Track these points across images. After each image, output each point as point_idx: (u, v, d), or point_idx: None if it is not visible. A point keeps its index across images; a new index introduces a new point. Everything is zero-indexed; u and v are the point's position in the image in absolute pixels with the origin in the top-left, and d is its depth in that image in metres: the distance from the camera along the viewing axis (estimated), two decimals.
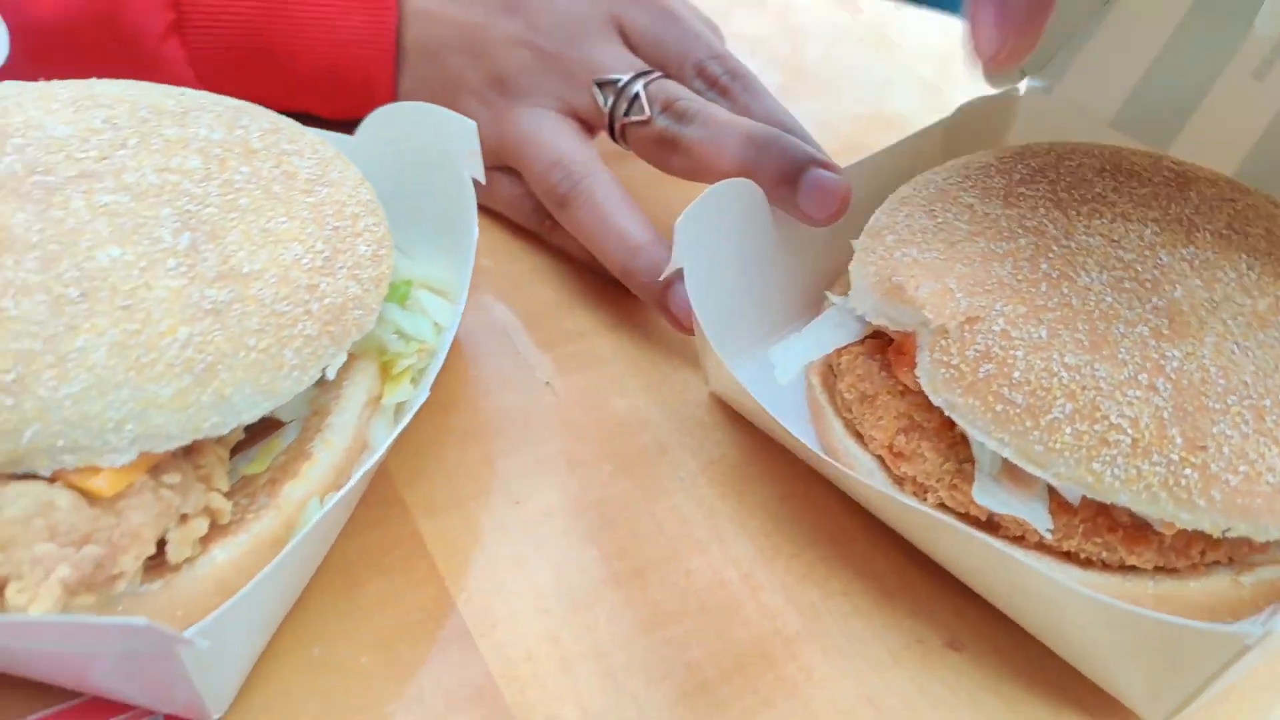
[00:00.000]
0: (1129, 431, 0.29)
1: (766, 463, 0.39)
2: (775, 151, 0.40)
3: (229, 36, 0.46)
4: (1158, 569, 0.32)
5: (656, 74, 0.44)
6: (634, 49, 0.46)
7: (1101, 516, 0.32)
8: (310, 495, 0.32)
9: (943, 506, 0.34)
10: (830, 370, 0.39)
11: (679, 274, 0.37)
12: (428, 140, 0.40)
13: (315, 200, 0.33)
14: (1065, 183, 0.37)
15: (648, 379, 0.42)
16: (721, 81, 0.44)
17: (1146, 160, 0.39)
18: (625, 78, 0.43)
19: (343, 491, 0.31)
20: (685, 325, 0.40)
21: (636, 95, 0.43)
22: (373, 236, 0.35)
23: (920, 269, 0.34)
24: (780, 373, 0.37)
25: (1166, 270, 0.33)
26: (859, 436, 0.36)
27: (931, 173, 0.40)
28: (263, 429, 0.34)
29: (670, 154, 0.42)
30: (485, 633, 0.33)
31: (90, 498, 0.27)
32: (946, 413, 0.32)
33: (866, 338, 0.38)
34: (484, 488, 0.37)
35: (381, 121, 0.41)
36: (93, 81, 0.35)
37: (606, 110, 0.44)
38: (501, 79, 0.46)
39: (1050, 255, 0.33)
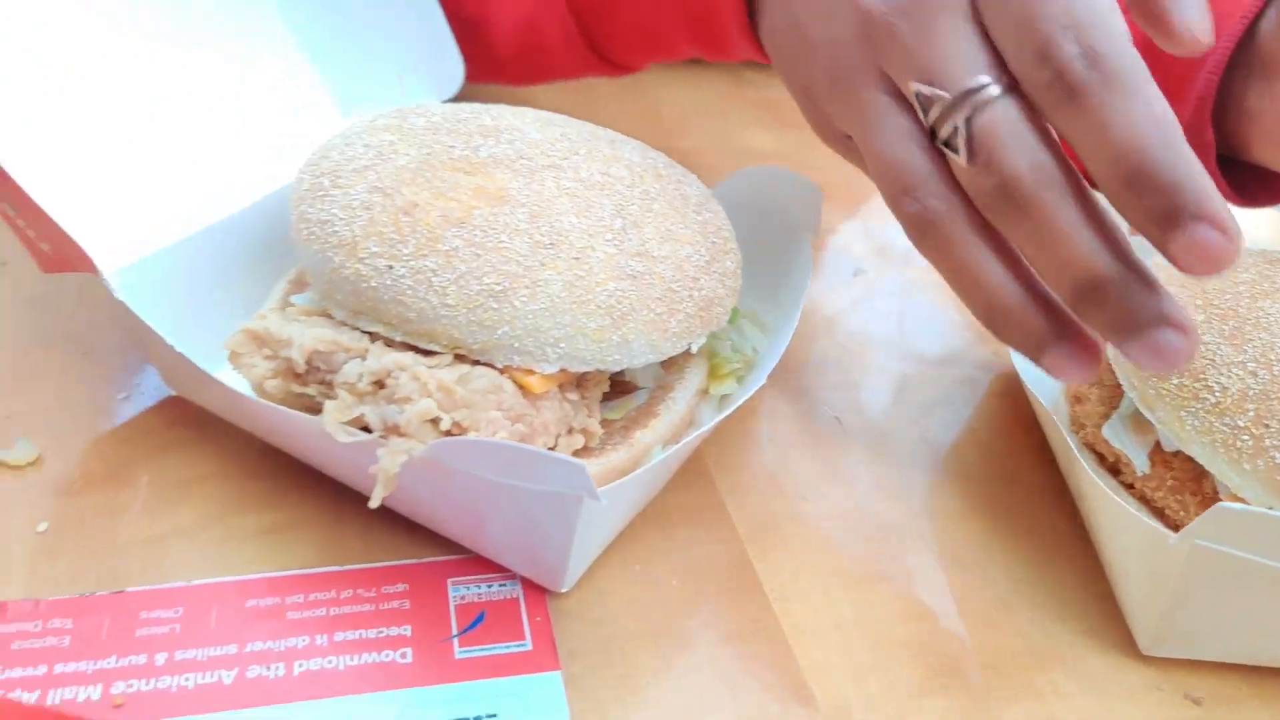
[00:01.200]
0: (1216, 394, 0.37)
1: (1034, 518, 0.43)
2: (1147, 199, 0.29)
3: None
4: None
5: (989, 87, 0.32)
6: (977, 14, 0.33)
7: (1191, 481, 0.38)
8: (654, 443, 0.40)
9: (1088, 445, 0.42)
10: None
11: None
12: (774, 199, 0.49)
13: (702, 219, 0.42)
14: None
15: (928, 432, 0.48)
16: (1070, 78, 0.30)
17: None
18: (946, 96, 0.32)
19: (684, 441, 0.38)
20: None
21: (955, 131, 0.32)
22: (735, 258, 0.43)
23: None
24: None
25: None
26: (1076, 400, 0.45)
27: None
28: (621, 388, 0.42)
29: (1001, 219, 0.32)
30: (774, 588, 0.39)
31: (524, 391, 0.36)
32: (1110, 362, 0.41)
33: None
34: (778, 484, 0.44)
35: (741, 179, 0.51)
36: (542, 111, 0.46)
37: (927, 125, 0.33)
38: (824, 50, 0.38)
39: (1257, 286, 0.40)
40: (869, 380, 0.51)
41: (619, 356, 0.37)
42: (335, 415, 0.34)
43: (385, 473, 0.33)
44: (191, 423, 0.43)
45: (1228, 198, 0.52)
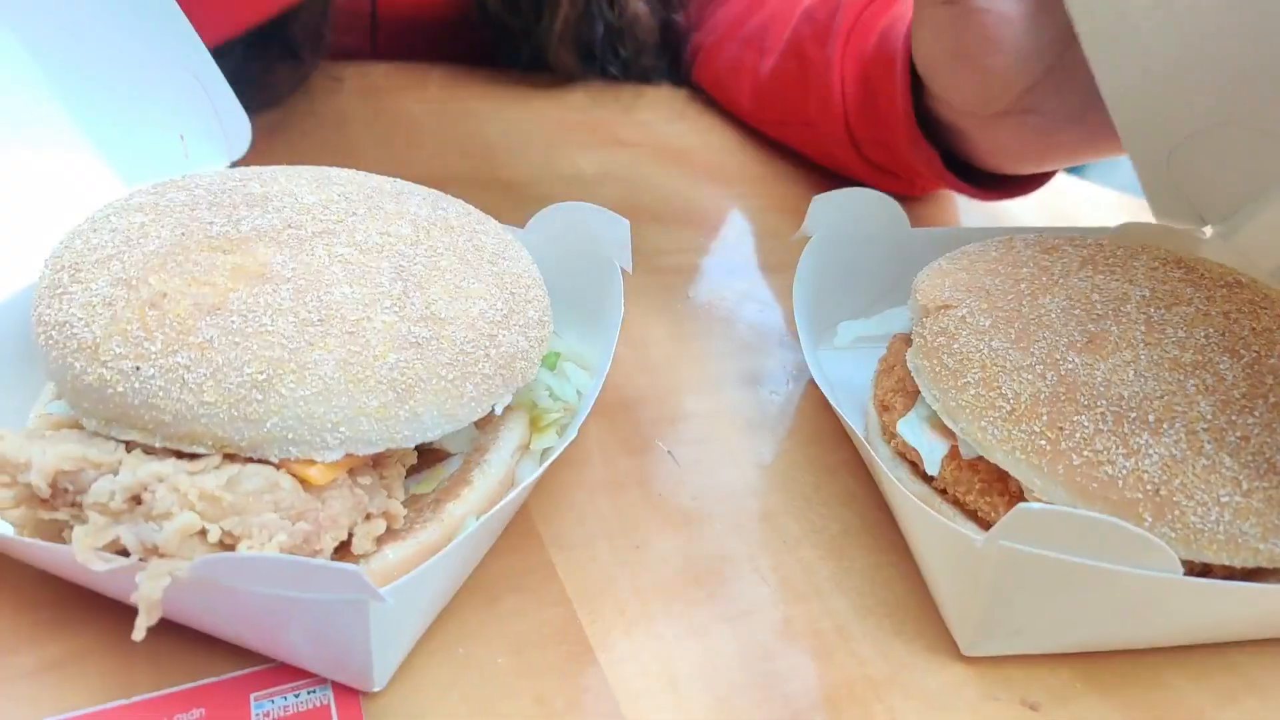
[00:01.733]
0: (1010, 401, 0.37)
1: (865, 533, 0.43)
2: None
3: None
4: None
5: None
6: None
7: (998, 481, 0.38)
8: (468, 514, 0.38)
9: (900, 454, 0.43)
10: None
11: None
12: (584, 234, 0.47)
13: (498, 270, 0.40)
14: (1113, 255, 0.43)
15: (757, 456, 0.47)
16: None
17: (1220, 269, 0.43)
18: None
19: (498, 506, 0.36)
20: None
21: None
22: (539, 305, 0.41)
23: (936, 275, 0.43)
24: (840, 339, 0.48)
25: (1121, 316, 0.39)
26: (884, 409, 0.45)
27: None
28: (431, 458, 0.40)
29: None
30: (606, 649, 0.37)
31: (305, 485, 0.33)
32: (911, 373, 0.41)
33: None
34: (609, 531, 0.42)
35: (547, 217, 0.49)
36: (324, 168, 0.44)
37: None
38: None
39: (1036, 282, 0.41)
40: (701, 407, 0.50)
41: (409, 433, 0.35)
42: (86, 541, 0.31)
43: (146, 600, 0.30)
44: None
45: (972, 194, 0.57)
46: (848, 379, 0.47)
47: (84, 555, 0.31)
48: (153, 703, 0.34)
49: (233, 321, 0.33)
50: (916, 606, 0.39)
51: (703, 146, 0.78)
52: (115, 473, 0.32)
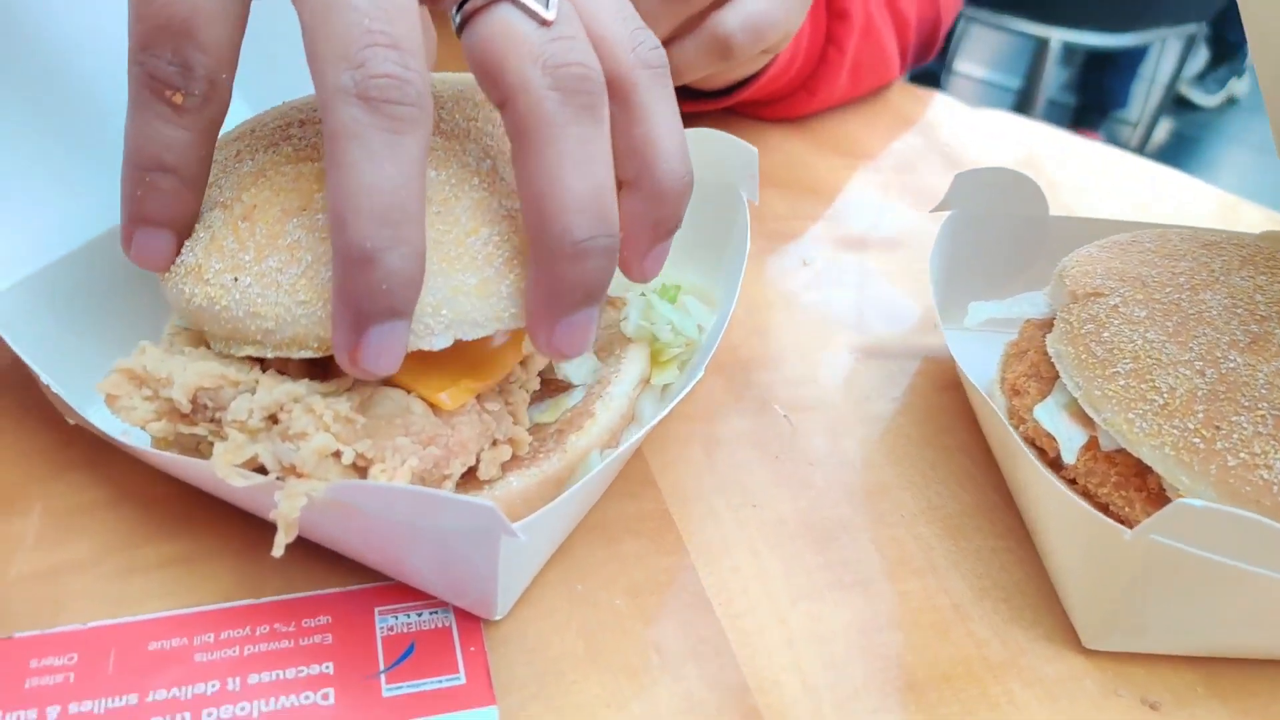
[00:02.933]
0: (1164, 395, 0.35)
1: (983, 516, 0.42)
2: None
3: None
4: None
5: None
6: None
7: (1135, 477, 0.37)
8: (590, 447, 0.37)
9: (1027, 439, 0.41)
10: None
11: None
12: (710, 159, 0.46)
13: None
14: (1274, 257, 0.41)
15: (872, 429, 0.46)
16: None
17: None
18: None
19: (621, 449, 0.36)
20: None
21: None
22: None
23: (1086, 261, 0.42)
24: (970, 319, 0.46)
25: None
26: (1014, 393, 0.43)
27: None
28: (553, 388, 0.40)
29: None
30: (723, 603, 0.37)
31: (435, 410, 0.33)
32: (1052, 359, 0.40)
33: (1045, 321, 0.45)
34: (725, 488, 0.42)
35: None
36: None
37: None
38: None
39: (1195, 275, 0.39)
40: (817, 374, 0.49)
41: (515, 310, 0.33)
42: (226, 458, 0.31)
43: (284, 518, 0.30)
44: (86, 443, 0.39)
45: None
46: (969, 361, 0.46)
47: (224, 471, 0.31)
48: (281, 605, 0.34)
49: (318, 219, 0.32)
50: (1034, 593, 0.39)
51: (826, 115, 0.76)
52: (253, 392, 0.32)
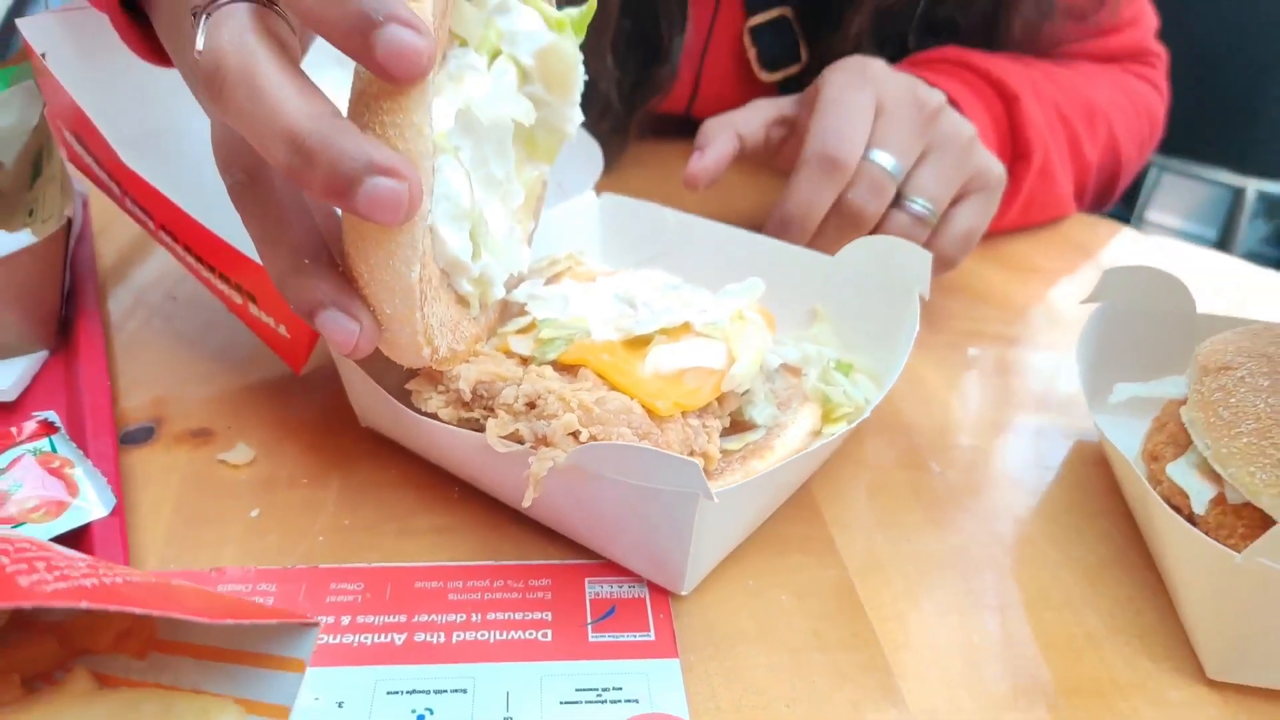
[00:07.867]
0: None
1: (1120, 568, 0.46)
2: None
3: None
4: None
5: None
6: None
7: (1260, 528, 0.40)
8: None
9: (1164, 497, 0.44)
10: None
11: None
12: (888, 264, 0.54)
13: None
14: None
15: (1022, 493, 0.51)
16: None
17: None
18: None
19: (796, 456, 0.43)
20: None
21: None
22: None
23: (1219, 342, 0.47)
24: (1115, 397, 0.51)
25: None
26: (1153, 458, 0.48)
27: None
28: (740, 427, 0.48)
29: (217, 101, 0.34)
30: (874, 608, 0.43)
31: (651, 414, 0.42)
32: (1185, 425, 0.45)
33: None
34: (884, 523, 0.48)
35: (857, 248, 0.56)
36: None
37: None
38: None
39: None
40: (974, 443, 0.55)
41: None
42: (496, 430, 0.41)
43: (535, 476, 0.39)
44: (375, 441, 0.50)
45: None
46: (1116, 441, 0.50)
47: (494, 440, 0.41)
48: (514, 568, 0.43)
49: None
50: (1165, 634, 0.42)
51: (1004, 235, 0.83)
52: (519, 384, 0.42)
